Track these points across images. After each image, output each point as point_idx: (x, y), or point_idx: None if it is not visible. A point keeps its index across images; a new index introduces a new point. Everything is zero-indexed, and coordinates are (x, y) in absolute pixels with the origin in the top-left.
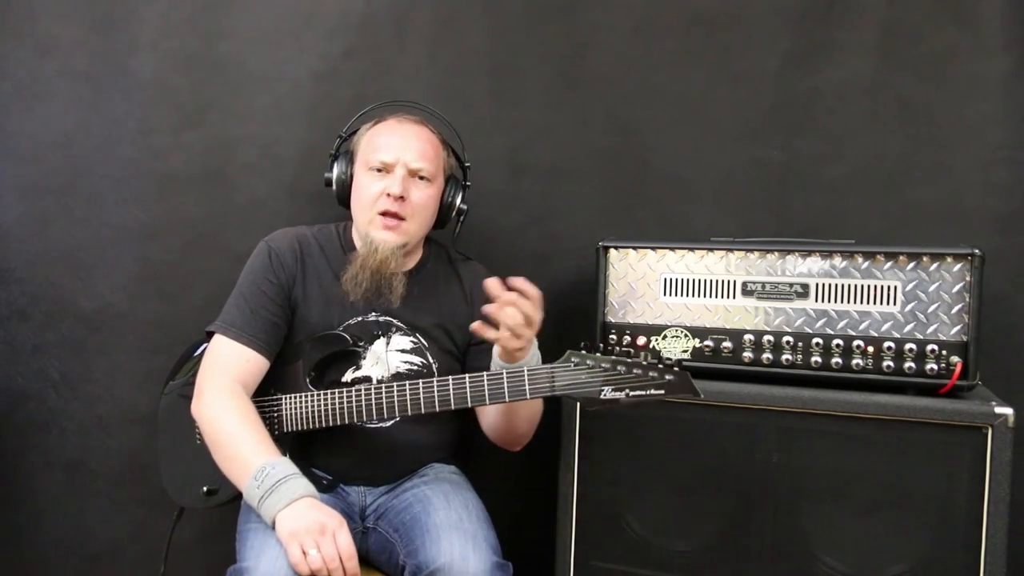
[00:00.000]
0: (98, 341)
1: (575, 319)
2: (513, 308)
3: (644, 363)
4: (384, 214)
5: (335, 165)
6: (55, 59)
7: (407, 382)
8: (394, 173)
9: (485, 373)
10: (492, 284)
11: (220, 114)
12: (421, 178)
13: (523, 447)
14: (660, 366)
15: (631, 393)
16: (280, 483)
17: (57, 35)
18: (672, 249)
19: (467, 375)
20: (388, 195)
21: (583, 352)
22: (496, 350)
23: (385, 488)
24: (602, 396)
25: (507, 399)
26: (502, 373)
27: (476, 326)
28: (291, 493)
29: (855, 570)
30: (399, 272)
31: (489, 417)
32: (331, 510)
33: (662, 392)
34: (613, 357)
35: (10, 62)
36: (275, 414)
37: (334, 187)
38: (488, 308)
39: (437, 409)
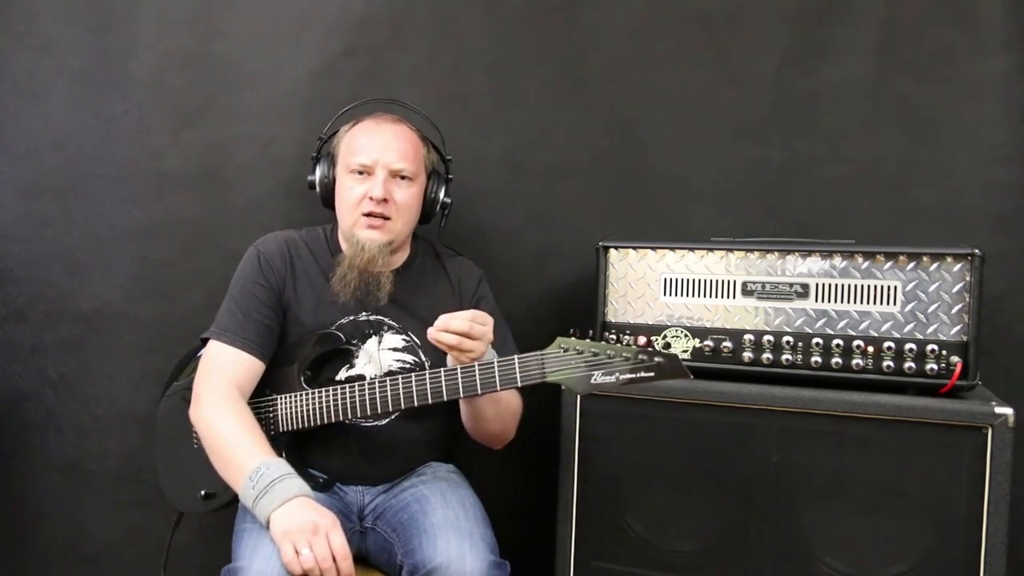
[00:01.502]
0: (96, 341)
1: (575, 319)
2: (447, 335)
3: (633, 347)
4: (368, 215)
5: (317, 168)
6: (53, 59)
7: (399, 376)
8: (375, 175)
9: (476, 363)
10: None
11: (218, 114)
12: (403, 178)
13: (504, 445)
14: (650, 350)
15: (621, 377)
16: (274, 483)
17: (55, 35)
18: (672, 249)
19: (459, 366)
20: (371, 198)
21: (572, 338)
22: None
23: (383, 487)
24: (593, 381)
25: (499, 387)
26: (493, 362)
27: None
28: (285, 493)
29: (855, 570)
30: (386, 270)
31: (464, 414)
32: (325, 509)
33: (652, 375)
34: (602, 343)
35: (8, 62)
36: (271, 414)
37: (317, 189)
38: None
39: (430, 401)
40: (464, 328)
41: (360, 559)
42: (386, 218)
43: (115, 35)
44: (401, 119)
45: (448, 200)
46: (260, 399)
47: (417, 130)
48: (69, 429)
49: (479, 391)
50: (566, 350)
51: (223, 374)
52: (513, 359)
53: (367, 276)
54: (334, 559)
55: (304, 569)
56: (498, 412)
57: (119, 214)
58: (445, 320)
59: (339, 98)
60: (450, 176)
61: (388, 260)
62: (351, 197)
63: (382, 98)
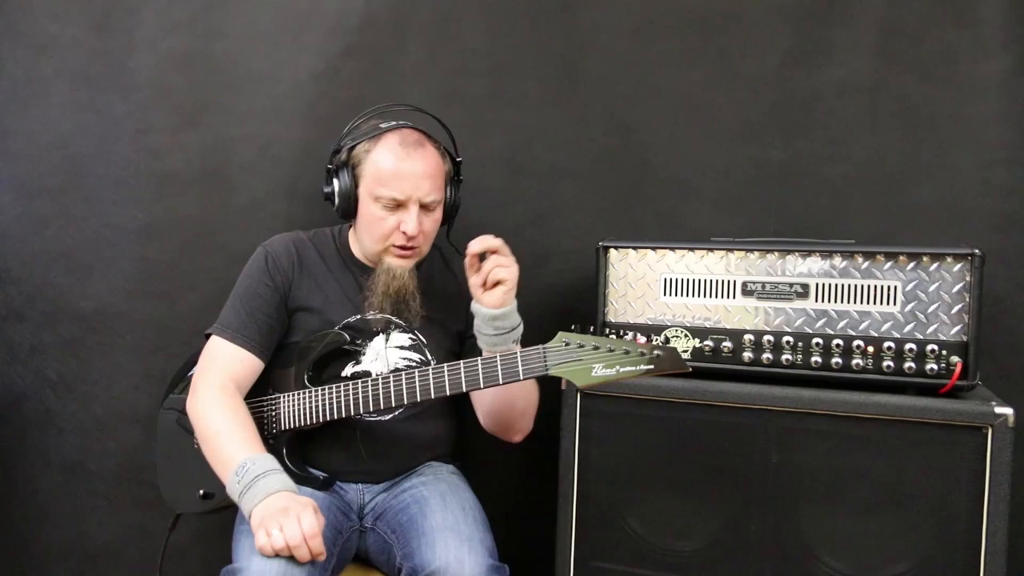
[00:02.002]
0: (96, 341)
1: (575, 319)
2: (495, 240)
3: (633, 341)
4: (399, 246)
5: (335, 180)
6: (53, 59)
7: (403, 372)
8: (408, 210)
9: (479, 358)
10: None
11: (218, 114)
12: (431, 206)
13: (523, 438)
14: (649, 343)
15: (621, 370)
16: (258, 478)
17: (55, 35)
18: (672, 249)
19: (462, 361)
20: (404, 233)
21: (573, 333)
22: (479, 305)
23: (383, 486)
24: (593, 374)
25: (501, 381)
26: (495, 356)
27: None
28: (267, 487)
29: (855, 570)
30: (416, 293)
31: (484, 405)
32: (304, 498)
33: (651, 367)
34: (603, 337)
35: (8, 62)
36: (273, 413)
37: (337, 202)
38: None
39: (433, 396)
40: (498, 244)
41: (360, 559)
42: (416, 247)
43: (115, 35)
44: (423, 137)
45: (459, 202)
46: (262, 398)
47: (435, 143)
48: (69, 429)
49: (482, 384)
50: (568, 344)
51: (221, 368)
52: (515, 352)
53: (398, 300)
54: (304, 539)
55: (275, 549)
56: (526, 401)
57: (119, 214)
58: (483, 240)
59: (340, 99)
60: (460, 178)
61: (414, 276)
62: (382, 228)
63: (392, 104)
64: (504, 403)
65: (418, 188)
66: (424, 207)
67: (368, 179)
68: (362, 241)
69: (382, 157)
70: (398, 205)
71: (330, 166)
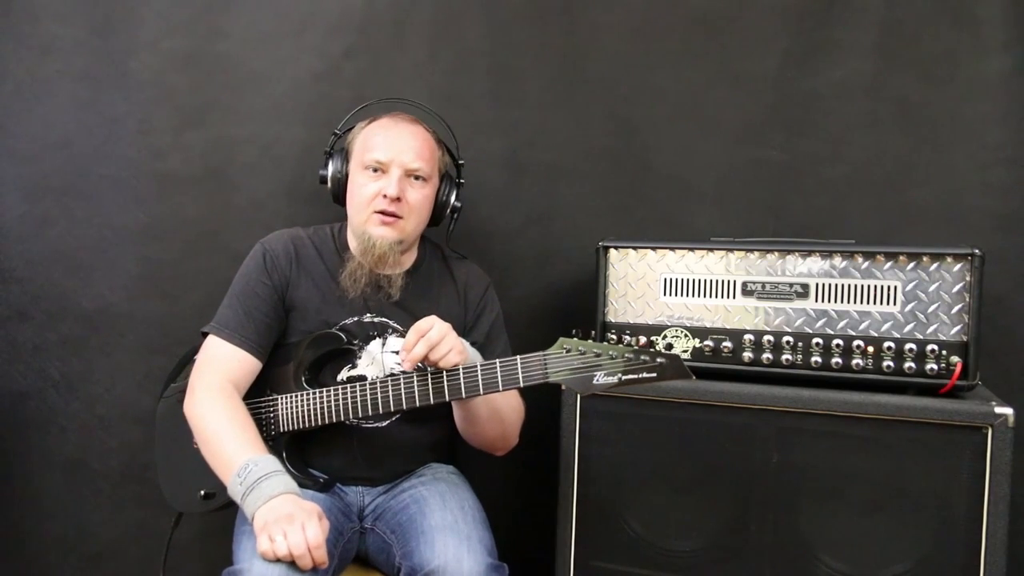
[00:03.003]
0: (99, 341)
1: (575, 319)
2: (419, 347)
3: (635, 347)
4: (381, 212)
5: (330, 163)
6: (56, 59)
7: (400, 377)
8: (390, 173)
9: (478, 363)
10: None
11: (220, 114)
12: (417, 178)
13: (507, 451)
14: (651, 350)
15: (624, 377)
16: (261, 480)
17: (57, 35)
18: (672, 249)
19: (460, 367)
20: (384, 196)
21: (574, 339)
22: None
23: (383, 488)
24: (595, 381)
25: (501, 388)
26: (495, 363)
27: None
28: (270, 490)
29: (855, 570)
30: (397, 271)
31: (457, 418)
32: (309, 503)
33: (654, 375)
34: (604, 343)
35: (11, 62)
36: (271, 414)
37: (329, 185)
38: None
39: (432, 402)
40: (412, 339)
41: (360, 559)
42: (398, 216)
43: (117, 35)
44: (417, 119)
45: (458, 204)
46: (260, 399)
47: (433, 132)
48: (72, 428)
49: (481, 391)
50: (568, 350)
51: (219, 369)
52: (516, 359)
53: (377, 274)
54: (308, 548)
55: (277, 556)
56: (493, 413)
57: (121, 214)
58: (411, 357)
59: (341, 98)
60: (461, 180)
61: (398, 260)
62: (364, 193)
63: (396, 97)
64: (470, 425)
65: (402, 152)
66: (409, 175)
67: (357, 152)
68: (351, 220)
69: (372, 130)
70: (382, 171)
71: (328, 149)
